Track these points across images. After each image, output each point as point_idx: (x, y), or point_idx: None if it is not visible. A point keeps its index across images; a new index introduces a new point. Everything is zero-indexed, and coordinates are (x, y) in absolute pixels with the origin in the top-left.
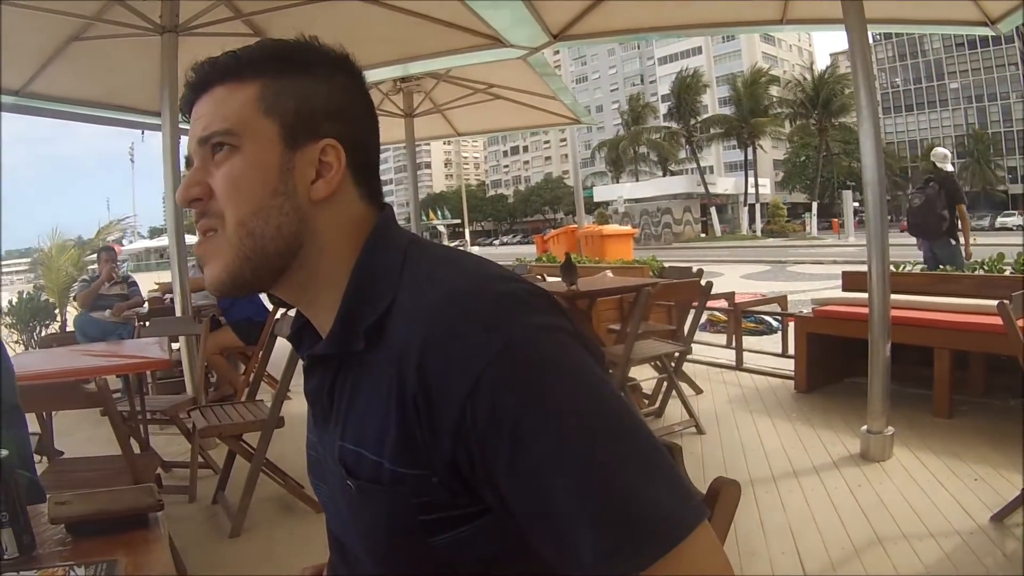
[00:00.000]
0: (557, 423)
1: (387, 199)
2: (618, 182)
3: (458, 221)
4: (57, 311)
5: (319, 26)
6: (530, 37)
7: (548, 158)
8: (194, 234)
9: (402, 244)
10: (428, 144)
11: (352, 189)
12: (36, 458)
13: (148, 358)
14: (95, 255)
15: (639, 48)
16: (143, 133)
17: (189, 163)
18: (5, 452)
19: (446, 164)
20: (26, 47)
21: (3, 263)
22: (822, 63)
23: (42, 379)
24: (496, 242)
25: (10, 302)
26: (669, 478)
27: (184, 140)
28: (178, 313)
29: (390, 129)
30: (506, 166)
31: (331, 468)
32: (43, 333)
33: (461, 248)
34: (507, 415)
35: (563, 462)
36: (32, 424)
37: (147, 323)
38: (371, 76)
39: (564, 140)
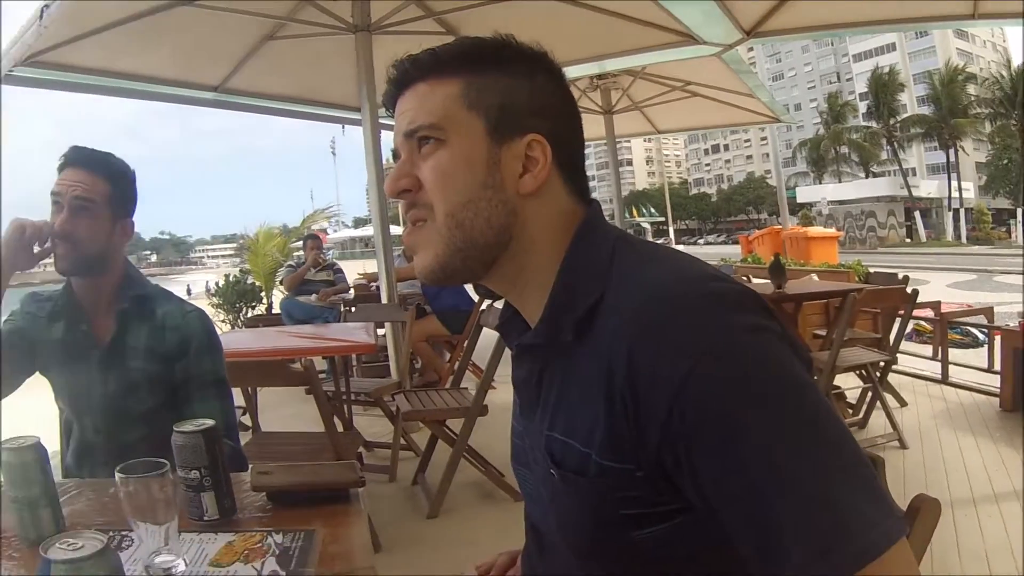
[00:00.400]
0: (764, 424)
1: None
2: (820, 183)
3: (662, 219)
4: (263, 294)
5: (512, 23)
6: (723, 34)
7: (749, 157)
8: (399, 225)
9: (610, 239)
10: (628, 141)
11: (559, 184)
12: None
13: (354, 342)
14: (301, 242)
15: (833, 45)
16: (343, 127)
17: (396, 156)
18: (211, 422)
19: (647, 161)
20: (221, 47)
21: (209, 247)
22: (1018, 59)
23: (250, 356)
24: (700, 241)
25: (216, 284)
26: (872, 489)
27: (384, 135)
28: (384, 300)
29: (590, 126)
30: (707, 164)
31: (536, 457)
32: (248, 314)
33: (668, 245)
34: (714, 414)
35: (769, 464)
36: (238, 399)
37: (352, 308)
38: (567, 73)
39: (764, 139)
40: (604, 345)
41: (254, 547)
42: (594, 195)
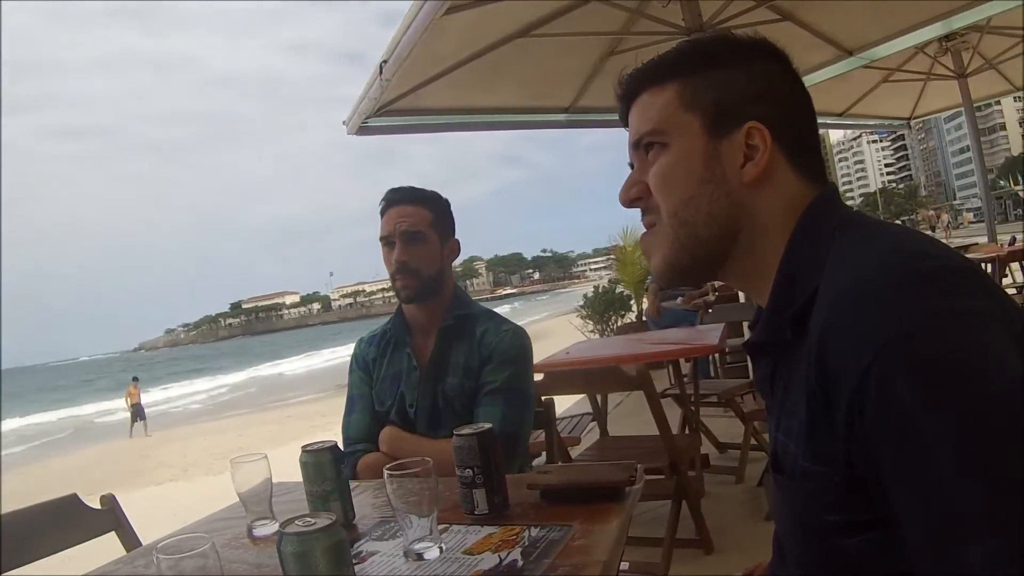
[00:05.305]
0: (952, 425)
1: (960, 169)
2: None
3: None
4: (632, 302)
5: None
6: None
7: None
8: None
9: (832, 224)
10: (998, 103)
11: (787, 169)
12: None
13: (694, 344)
14: None
15: None
16: None
17: (632, 167)
18: (488, 425)
19: (1021, 123)
20: (566, 70)
21: (591, 260)
22: None
23: (589, 364)
24: None
25: (585, 296)
26: None
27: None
28: (741, 300)
29: (948, 94)
30: None
31: (772, 461)
32: (618, 323)
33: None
34: (896, 410)
35: (953, 471)
36: (587, 405)
37: (710, 310)
38: (914, 39)
39: None
40: (810, 338)
41: (509, 539)
42: (964, 169)
